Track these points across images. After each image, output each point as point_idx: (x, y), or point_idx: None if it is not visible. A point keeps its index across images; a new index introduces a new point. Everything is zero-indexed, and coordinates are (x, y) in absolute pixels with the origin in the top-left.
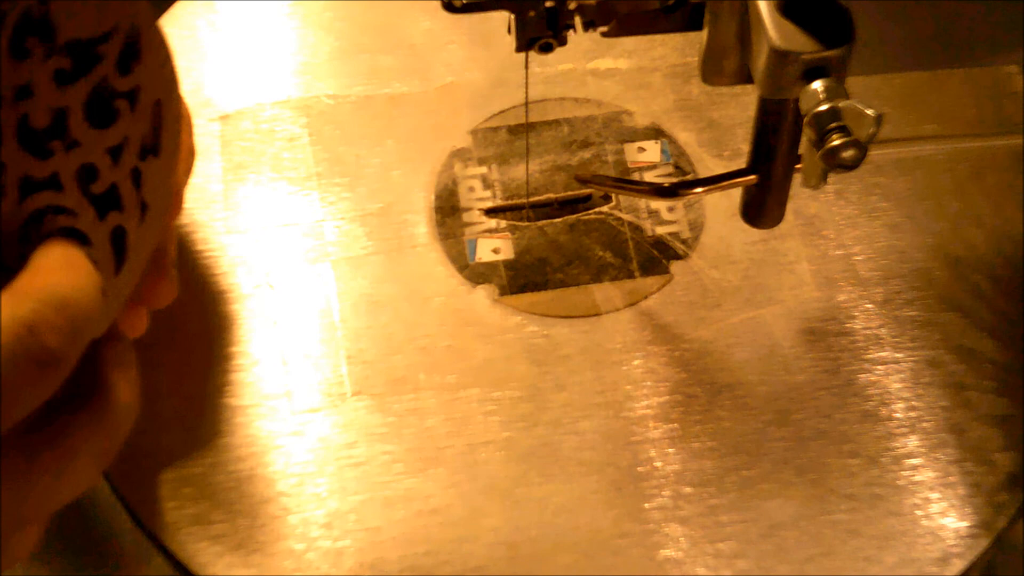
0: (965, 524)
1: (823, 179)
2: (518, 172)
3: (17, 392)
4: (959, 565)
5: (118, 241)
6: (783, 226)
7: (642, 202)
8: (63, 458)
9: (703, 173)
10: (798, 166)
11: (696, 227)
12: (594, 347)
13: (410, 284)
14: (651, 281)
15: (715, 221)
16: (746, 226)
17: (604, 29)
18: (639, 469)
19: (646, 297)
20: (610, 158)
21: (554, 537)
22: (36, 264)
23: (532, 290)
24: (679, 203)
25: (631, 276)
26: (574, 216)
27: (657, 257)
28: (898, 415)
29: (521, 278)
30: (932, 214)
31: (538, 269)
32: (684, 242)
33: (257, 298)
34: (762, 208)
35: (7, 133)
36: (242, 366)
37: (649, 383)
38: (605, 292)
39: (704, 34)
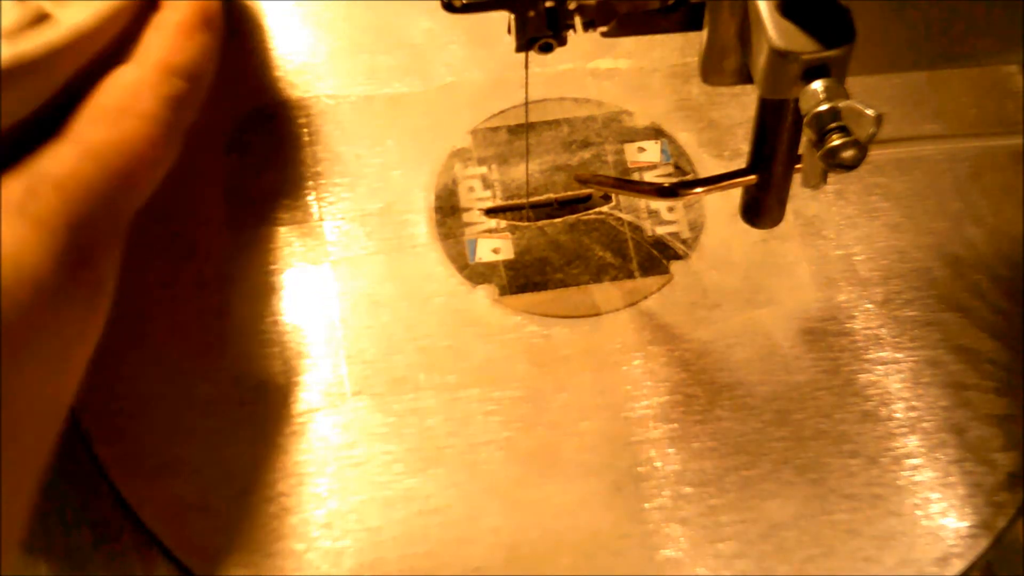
0: (965, 524)
1: (823, 179)
2: (518, 172)
3: None
4: (959, 565)
5: None
6: (783, 226)
7: (642, 202)
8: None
9: (703, 173)
10: (798, 166)
11: (696, 227)
12: (594, 347)
13: (410, 284)
14: (651, 281)
15: (715, 221)
16: (746, 226)
17: (604, 29)
18: (639, 469)
19: (646, 297)
20: (610, 158)
21: (554, 538)
22: None
23: (532, 290)
24: (679, 203)
25: (631, 276)
26: (574, 216)
27: (657, 257)
28: (898, 415)
29: (521, 278)
30: (932, 214)
31: (538, 269)
32: (684, 242)
33: (257, 298)
34: (762, 208)
35: None
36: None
37: (649, 383)
38: (605, 292)
39: (704, 34)
